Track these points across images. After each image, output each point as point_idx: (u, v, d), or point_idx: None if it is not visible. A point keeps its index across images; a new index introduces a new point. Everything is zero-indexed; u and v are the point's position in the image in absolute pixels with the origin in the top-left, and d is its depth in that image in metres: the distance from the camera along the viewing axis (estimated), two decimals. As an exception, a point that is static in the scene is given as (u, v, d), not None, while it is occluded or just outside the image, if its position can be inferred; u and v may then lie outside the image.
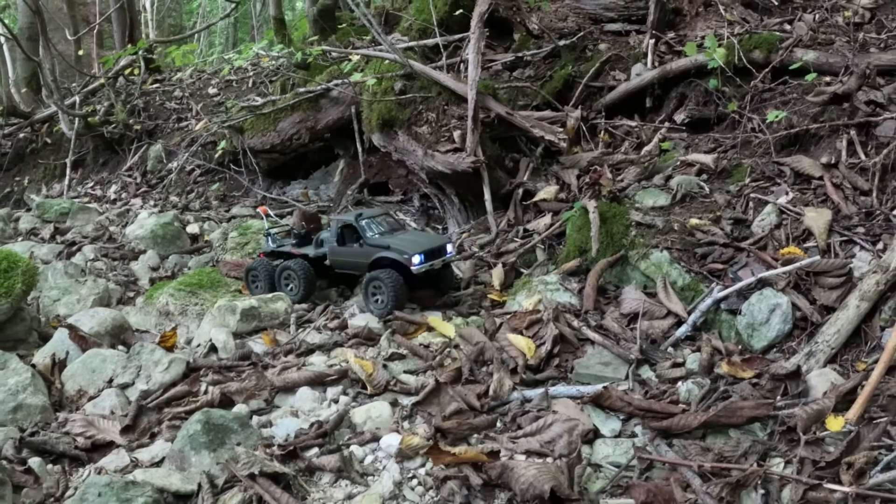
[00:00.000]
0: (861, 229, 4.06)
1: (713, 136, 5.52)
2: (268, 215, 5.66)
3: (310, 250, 5.14)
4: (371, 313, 4.69)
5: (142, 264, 6.00)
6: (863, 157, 4.50)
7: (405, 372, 4.00)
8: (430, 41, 6.66)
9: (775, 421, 3.20)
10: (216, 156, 7.91)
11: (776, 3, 6.50)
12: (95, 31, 12.82)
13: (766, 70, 5.51)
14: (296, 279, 5.02)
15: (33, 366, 4.04)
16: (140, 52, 10.06)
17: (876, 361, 3.20)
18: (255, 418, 3.60)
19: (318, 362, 4.13)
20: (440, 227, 6.24)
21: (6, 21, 10.83)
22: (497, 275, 5.03)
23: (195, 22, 20.10)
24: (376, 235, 4.84)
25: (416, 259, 4.57)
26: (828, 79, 5.22)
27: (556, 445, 3.21)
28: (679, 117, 5.90)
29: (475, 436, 3.38)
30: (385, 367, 3.94)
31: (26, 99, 10.57)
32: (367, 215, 4.98)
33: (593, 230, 4.57)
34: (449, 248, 4.85)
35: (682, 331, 3.95)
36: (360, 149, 6.79)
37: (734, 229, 4.47)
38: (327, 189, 7.49)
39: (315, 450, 3.31)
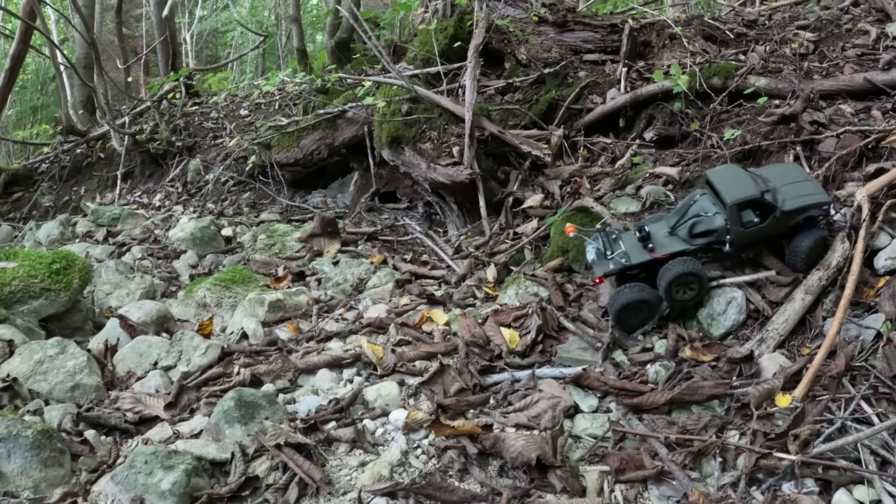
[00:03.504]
0: (806, 232, 4.05)
1: (678, 152, 5.51)
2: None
3: (676, 244, 3.71)
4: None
5: (182, 263, 5.99)
6: (807, 169, 4.49)
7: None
8: (432, 69, 6.65)
9: (731, 398, 3.20)
10: (247, 169, 7.90)
11: (732, 37, 6.50)
12: (142, 61, 12.81)
13: (724, 94, 5.51)
14: (697, 281, 3.63)
15: (89, 351, 4.04)
16: (181, 79, 10.07)
17: (818, 347, 3.20)
18: (281, 396, 3.61)
19: (335, 348, 4.13)
20: (441, 229, 6.23)
21: (65, 52, 10.83)
22: (491, 272, 5.02)
23: (229, 52, 20.08)
24: (781, 198, 3.57)
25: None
26: (777, 102, 5.21)
27: (542, 419, 3.21)
28: (648, 135, 5.90)
29: (471, 411, 3.38)
30: (394, 351, 3.94)
31: (83, 119, 10.56)
32: (760, 183, 3.61)
33: None
34: None
35: (648, 325, 3.91)
36: (371, 162, 6.79)
37: (696, 232, 4.46)
38: (343, 197, 7.48)
39: (333, 423, 3.31)
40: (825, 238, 3.64)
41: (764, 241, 3.78)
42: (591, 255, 3.87)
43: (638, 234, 3.77)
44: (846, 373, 3.11)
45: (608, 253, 3.76)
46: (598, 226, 3.96)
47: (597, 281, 3.88)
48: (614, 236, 3.85)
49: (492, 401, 3.47)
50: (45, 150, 10.53)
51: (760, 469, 2.77)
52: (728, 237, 3.68)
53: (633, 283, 3.72)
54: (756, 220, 3.63)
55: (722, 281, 3.80)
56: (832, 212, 3.66)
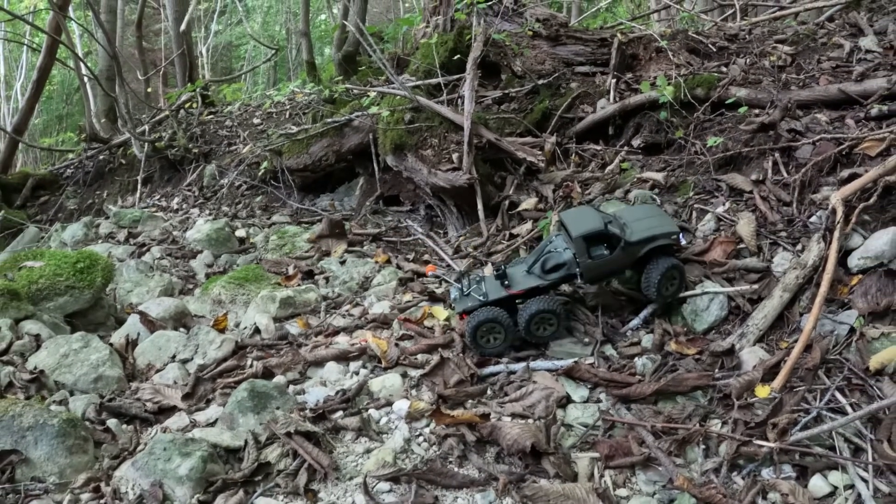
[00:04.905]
0: (784, 234, 4.06)
1: (663, 158, 5.51)
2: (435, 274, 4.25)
3: (531, 281, 3.73)
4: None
5: (199, 262, 6.00)
6: (785, 174, 4.50)
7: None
8: (433, 80, 6.65)
9: (714, 389, 3.20)
10: (259, 174, 7.90)
11: (715, 50, 6.50)
12: (161, 73, 12.81)
13: (707, 104, 5.51)
14: (554, 318, 3.63)
15: (111, 345, 4.05)
16: (198, 90, 10.07)
17: (795, 341, 3.21)
18: (291, 387, 3.61)
19: (342, 342, 4.14)
20: (441, 231, 6.23)
21: (89, 64, 10.83)
22: (489, 271, 5.02)
23: (242, 65, 20.09)
24: (629, 231, 3.63)
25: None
26: (756, 111, 5.21)
27: (536, 409, 3.22)
28: (636, 142, 5.89)
29: (470, 401, 3.38)
30: (397, 345, 3.95)
31: (105, 128, 10.57)
32: (607, 218, 3.68)
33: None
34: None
35: (635, 322, 3.92)
36: (376, 168, 6.79)
37: (681, 234, 4.46)
38: (350, 201, 7.48)
39: (340, 413, 3.31)
40: (677, 266, 3.62)
41: (620, 272, 3.81)
42: (454, 294, 3.91)
43: (496, 273, 3.84)
44: (821, 365, 3.11)
45: (469, 292, 3.83)
46: (461, 270, 3.98)
47: (461, 317, 3.88)
48: (477, 279, 3.93)
49: (489, 391, 3.48)
50: (70, 156, 10.54)
51: (741, 456, 2.78)
52: (578, 269, 3.70)
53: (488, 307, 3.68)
54: (605, 252, 3.64)
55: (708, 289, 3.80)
56: (682, 241, 3.63)
